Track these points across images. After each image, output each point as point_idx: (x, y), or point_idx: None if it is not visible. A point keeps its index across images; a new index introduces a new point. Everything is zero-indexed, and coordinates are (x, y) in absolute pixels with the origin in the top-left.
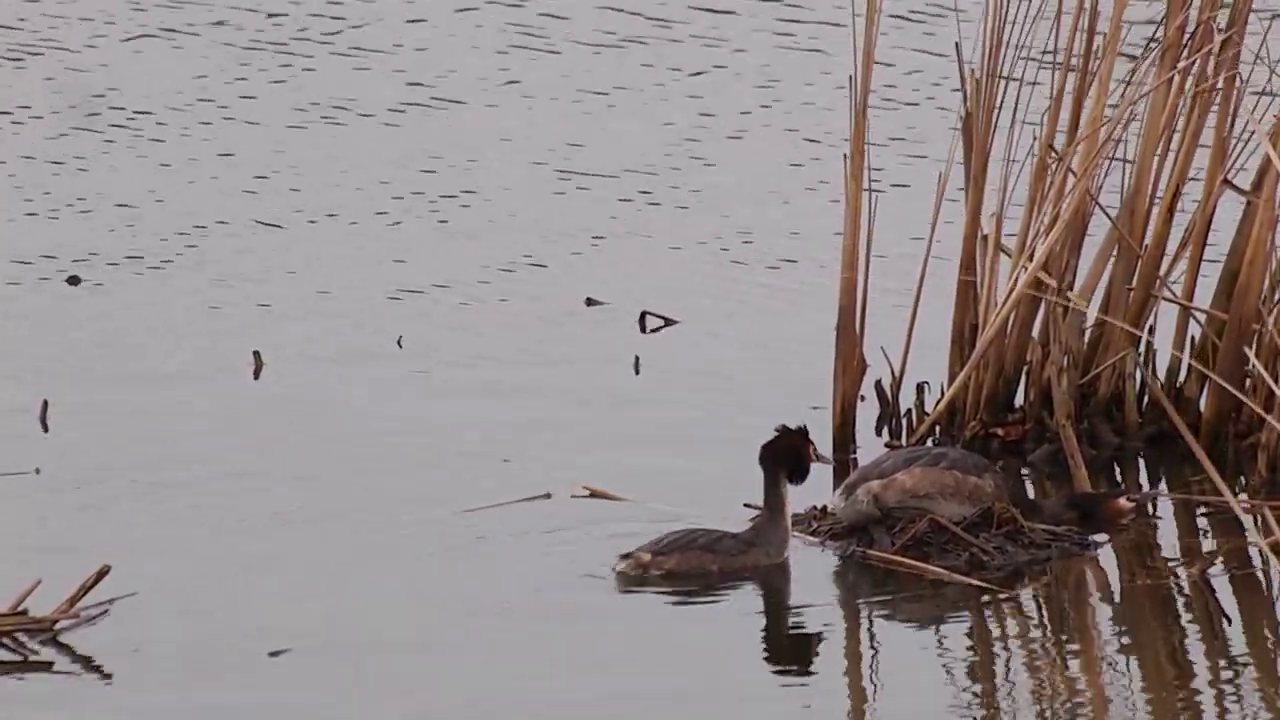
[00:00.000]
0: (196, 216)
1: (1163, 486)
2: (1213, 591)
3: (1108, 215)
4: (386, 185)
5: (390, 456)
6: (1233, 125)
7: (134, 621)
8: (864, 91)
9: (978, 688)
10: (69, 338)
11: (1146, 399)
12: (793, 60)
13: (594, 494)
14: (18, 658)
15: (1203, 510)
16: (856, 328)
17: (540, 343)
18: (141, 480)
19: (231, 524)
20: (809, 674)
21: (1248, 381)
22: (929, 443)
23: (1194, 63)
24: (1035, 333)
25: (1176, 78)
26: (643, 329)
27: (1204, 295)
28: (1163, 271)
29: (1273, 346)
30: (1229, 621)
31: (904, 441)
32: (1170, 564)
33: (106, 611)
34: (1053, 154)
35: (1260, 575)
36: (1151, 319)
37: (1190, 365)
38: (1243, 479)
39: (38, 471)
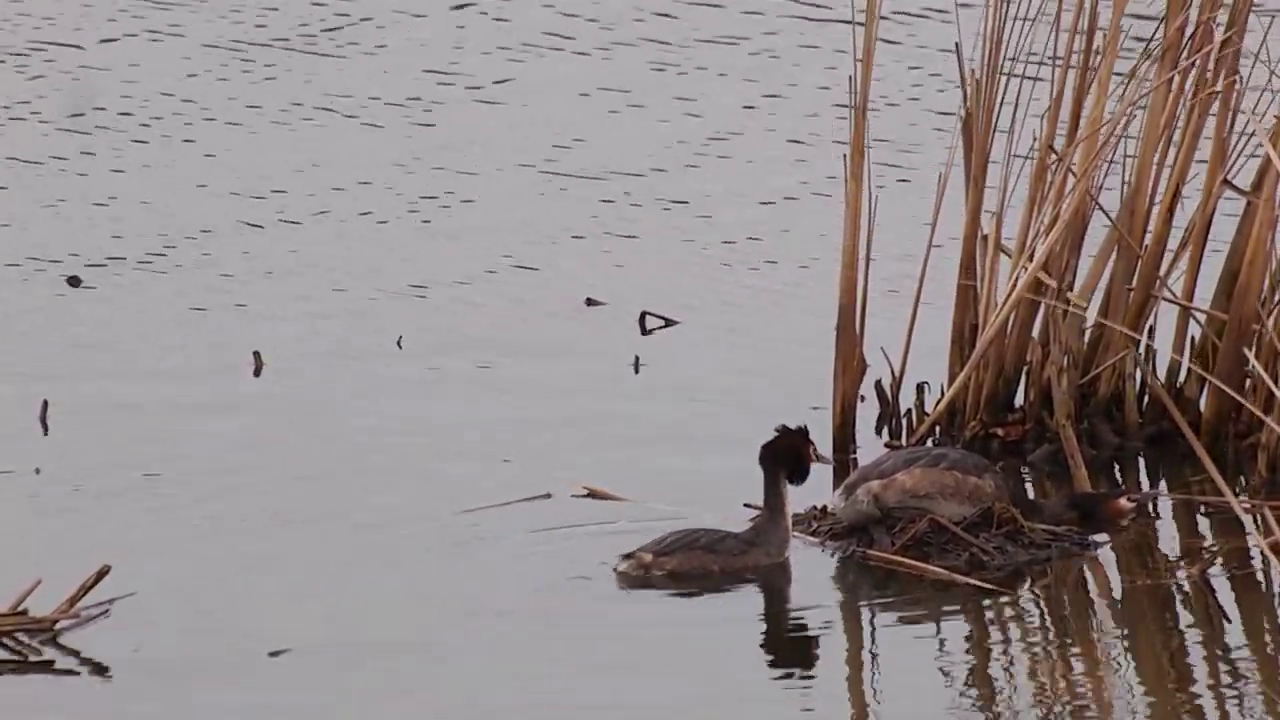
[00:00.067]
0: (196, 216)
1: (1163, 487)
2: (1213, 591)
3: (1107, 215)
4: (384, 185)
5: (390, 456)
6: (1233, 125)
7: (134, 621)
8: (864, 91)
9: (978, 688)
10: (69, 337)
11: (1146, 399)
12: (790, 60)
13: (594, 494)
14: (18, 658)
15: (1203, 510)
16: (856, 328)
17: (540, 343)
18: (141, 480)
19: (231, 524)
20: (809, 674)
21: (1248, 382)
22: (929, 443)
23: (1194, 63)
24: (1035, 333)
25: (1176, 78)
26: (643, 329)
27: (1204, 295)
28: (1163, 272)
29: (1272, 347)
30: (1229, 621)
31: (904, 442)
32: (1170, 564)
33: (106, 611)
34: (1053, 154)
35: (1260, 575)
36: (1151, 319)
37: (1189, 366)
38: (1243, 479)
39: (38, 471)
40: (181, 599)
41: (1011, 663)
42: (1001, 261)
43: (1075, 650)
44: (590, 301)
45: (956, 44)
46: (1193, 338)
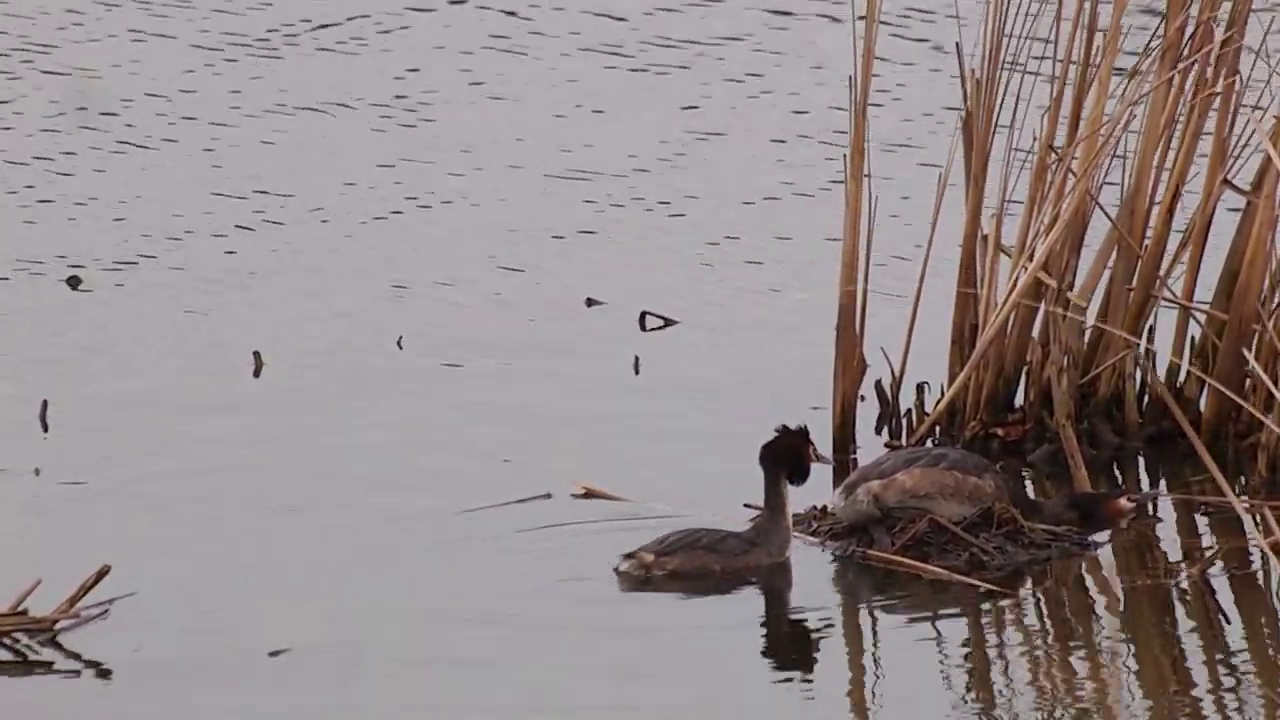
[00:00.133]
0: (196, 216)
1: (1163, 486)
2: (1213, 591)
3: (1108, 215)
4: (383, 186)
5: (390, 456)
6: (1233, 125)
7: (134, 621)
8: (864, 91)
9: (978, 687)
10: (69, 337)
11: (1146, 399)
12: (788, 59)
13: (593, 494)
14: (18, 658)
15: (1203, 510)
16: (856, 328)
17: (540, 343)
18: (141, 480)
19: (231, 524)
20: (809, 674)
21: (1248, 382)
22: (929, 443)
23: (1194, 62)
24: (1035, 333)
25: (1176, 77)
26: (643, 329)
27: (1204, 295)
28: (1162, 271)
29: (1272, 347)
30: (1229, 621)
31: (904, 442)
32: (1170, 564)
33: (106, 611)
34: (1053, 154)
35: (1260, 575)
36: (1151, 319)
37: (1190, 366)
38: (1243, 479)
39: (37, 472)
40: (181, 599)
41: (1011, 663)
42: (1001, 261)
43: (1075, 650)
44: (590, 301)
45: (957, 43)
46: (1193, 338)
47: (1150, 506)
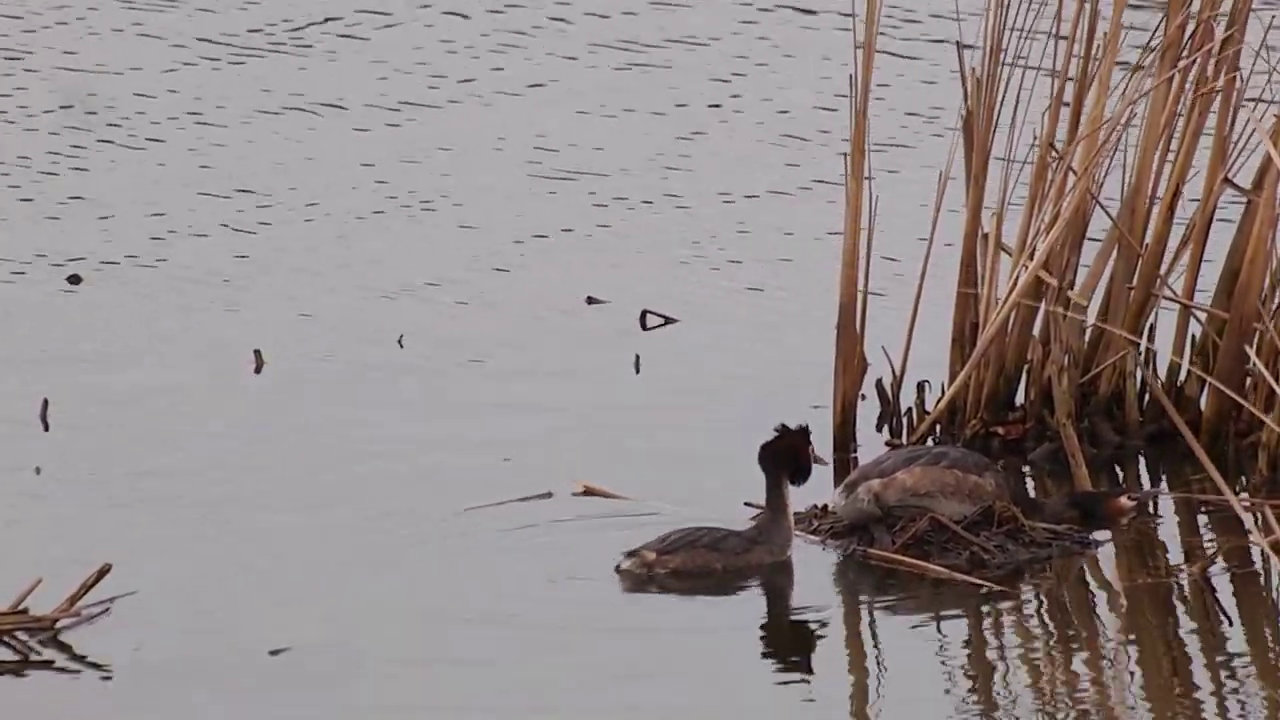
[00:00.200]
0: (196, 215)
1: (1163, 485)
2: (1213, 590)
3: (1108, 214)
4: (382, 185)
5: (391, 455)
6: (1233, 124)
7: (134, 620)
8: (864, 90)
9: (978, 686)
10: (69, 336)
11: (1147, 397)
12: (786, 58)
13: (594, 493)
14: (18, 657)
15: (1203, 509)
16: (857, 326)
17: (541, 341)
18: (141, 480)
19: (232, 523)
20: (809, 673)
21: (1248, 381)
22: (930, 441)
23: (1194, 61)
24: (1036, 331)
25: (1177, 76)
26: (643, 327)
27: (1205, 294)
28: (1163, 270)
29: (1273, 346)
30: (1229, 620)
31: (905, 440)
32: (1171, 563)
33: (107, 610)
34: (1053, 152)
35: (1261, 574)
36: (1152, 318)
37: (1190, 365)
38: (1243, 478)
39: (38, 470)
40: (182, 598)
41: (1012, 662)
42: (1002, 260)
43: (1076, 648)
44: (591, 300)
45: (957, 43)
46: (1193, 336)
47: (1151, 505)
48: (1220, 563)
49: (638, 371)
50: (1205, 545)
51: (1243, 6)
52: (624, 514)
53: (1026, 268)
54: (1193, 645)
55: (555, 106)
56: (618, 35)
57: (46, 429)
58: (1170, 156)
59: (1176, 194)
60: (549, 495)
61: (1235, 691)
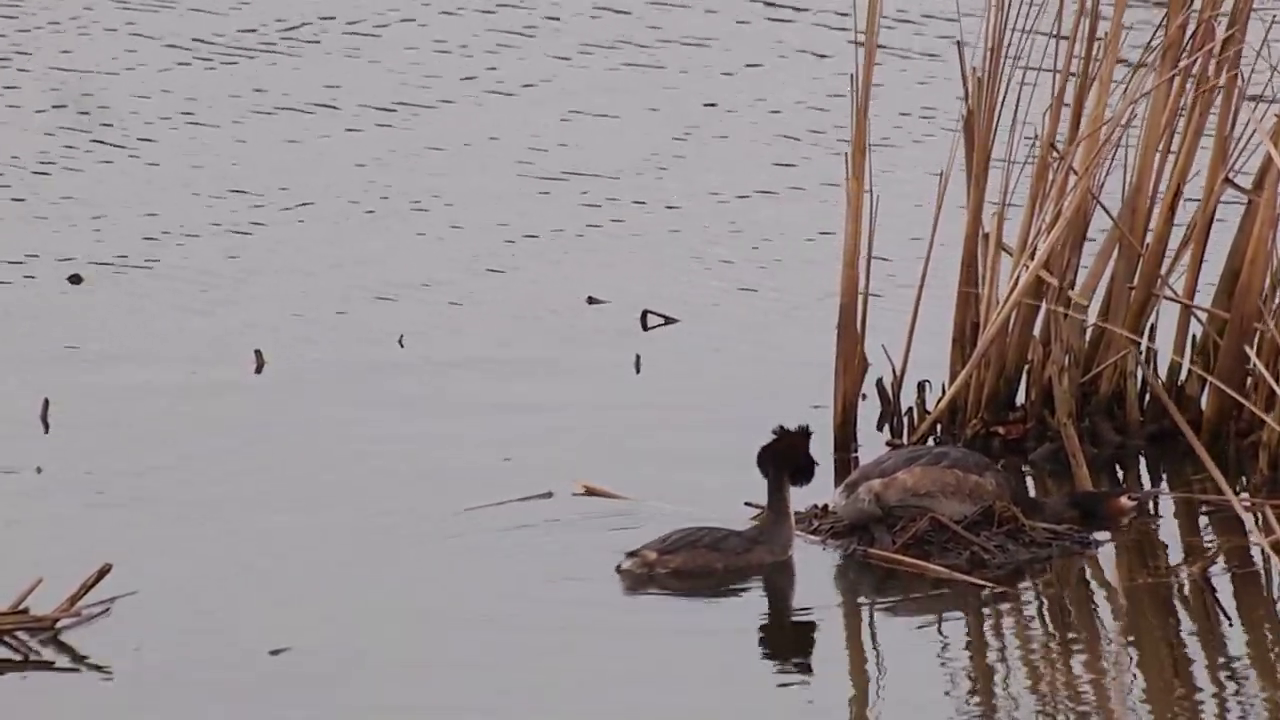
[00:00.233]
0: (197, 215)
1: (1164, 485)
2: (1213, 590)
3: (1109, 214)
4: (381, 185)
5: (391, 455)
6: (1234, 124)
7: (135, 620)
8: (865, 90)
9: (979, 686)
10: (70, 336)
11: (1148, 397)
12: (786, 58)
13: (594, 493)
14: (18, 656)
15: (1204, 509)
16: (857, 326)
17: (541, 341)
18: (141, 480)
19: (232, 523)
20: (809, 673)
21: (1249, 380)
22: (930, 441)
23: (1195, 61)
24: (1037, 331)
25: (1178, 76)
26: (644, 327)
27: (1206, 293)
28: (1164, 270)
29: (1274, 345)
30: (1229, 620)
31: (905, 440)
32: (1171, 562)
33: (107, 610)
34: (1054, 152)
35: (1261, 574)
36: (1153, 317)
37: (1191, 364)
38: (1244, 477)
39: (39, 470)
40: (182, 598)
41: (1013, 662)
42: (1003, 260)
43: (1076, 648)
44: (591, 300)
45: (958, 43)
46: (1194, 336)
47: (1151, 505)
48: (1220, 563)
49: (638, 371)
50: (1206, 545)
51: (1244, 6)
52: (624, 514)
53: (1027, 267)
54: (1193, 645)
55: (549, 106)
56: (611, 35)
57: (46, 429)
58: (1171, 156)
59: (1177, 194)
60: (549, 495)
61: (1236, 692)
